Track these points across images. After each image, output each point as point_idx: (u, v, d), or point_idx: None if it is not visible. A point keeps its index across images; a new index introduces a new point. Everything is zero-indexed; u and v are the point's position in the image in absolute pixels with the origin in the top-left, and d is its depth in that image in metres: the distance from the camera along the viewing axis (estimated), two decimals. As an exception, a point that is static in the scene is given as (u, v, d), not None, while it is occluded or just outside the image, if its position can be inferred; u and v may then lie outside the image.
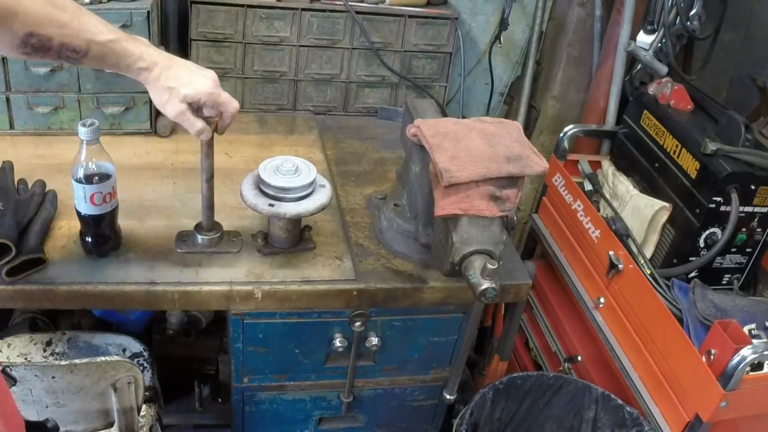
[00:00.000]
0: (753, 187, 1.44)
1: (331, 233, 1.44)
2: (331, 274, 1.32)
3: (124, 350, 1.40)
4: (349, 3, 1.82)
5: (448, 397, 1.54)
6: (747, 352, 1.17)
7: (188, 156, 1.62)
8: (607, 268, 1.54)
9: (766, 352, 1.18)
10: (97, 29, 0.98)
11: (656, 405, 1.38)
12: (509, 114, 2.26)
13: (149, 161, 1.61)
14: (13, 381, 1.09)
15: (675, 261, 1.55)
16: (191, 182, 1.48)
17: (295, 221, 1.32)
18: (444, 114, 1.79)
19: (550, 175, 1.82)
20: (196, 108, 1.12)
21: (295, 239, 1.35)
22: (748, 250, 1.53)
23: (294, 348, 1.41)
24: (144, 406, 1.29)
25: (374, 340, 1.40)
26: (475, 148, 1.17)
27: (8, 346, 1.38)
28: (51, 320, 1.57)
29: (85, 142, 1.15)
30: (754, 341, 1.21)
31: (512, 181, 1.17)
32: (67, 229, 1.32)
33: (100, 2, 1.52)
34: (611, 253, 1.53)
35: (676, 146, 1.57)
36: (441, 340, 1.48)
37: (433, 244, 1.30)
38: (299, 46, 1.86)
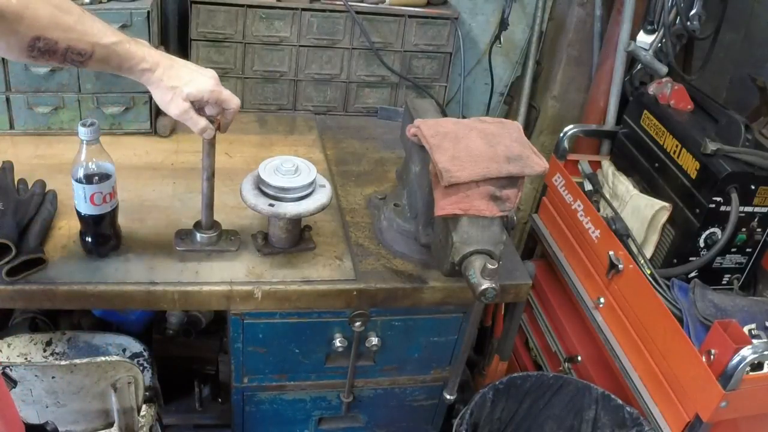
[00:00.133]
0: (753, 187, 1.44)
1: (331, 233, 1.44)
2: (331, 274, 1.32)
3: (124, 350, 1.40)
4: (349, 3, 1.82)
5: (448, 397, 1.54)
6: (747, 352, 1.17)
7: (188, 156, 1.62)
8: (607, 268, 1.54)
9: (766, 352, 1.18)
10: (101, 32, 0.99)
11: (656, 405, 1.38)
12: (509, 114, 2.26)
13: (149, 161, 1.61)
14: (13, 383, 1.09)
15: (675, 261, 1.54)
16: (191, 182, 1.49)
17: (295, 221, 1.32)
18: (444, 114, 1.78)
19: (550, 175, 1.82)
20: (198, 107, 1.13)
21: (295, 239, 1.35)
22: (748, 250, 1.53)
23: (294, 348, 1.41)
24: (144, 406, 1.29)
25: (374, 340, 1.40)
26: (475, 148, 1.17)
27: (8, 346, 1.38)
28: (51, 320, 1.57)
29: (85, 142, 1.15)
30: (754, 341, 1.21)
31: (512, 181, 1.17)
32: (67, 229, 1.32)
33: (100, 2, 1.52)
34: (611, 253, 1.53)
35: (676, 146, 1.57)
36: (441, 340, 1.48)
37: (433, 244, 1.30)
38: (299, 46, 1.86)
